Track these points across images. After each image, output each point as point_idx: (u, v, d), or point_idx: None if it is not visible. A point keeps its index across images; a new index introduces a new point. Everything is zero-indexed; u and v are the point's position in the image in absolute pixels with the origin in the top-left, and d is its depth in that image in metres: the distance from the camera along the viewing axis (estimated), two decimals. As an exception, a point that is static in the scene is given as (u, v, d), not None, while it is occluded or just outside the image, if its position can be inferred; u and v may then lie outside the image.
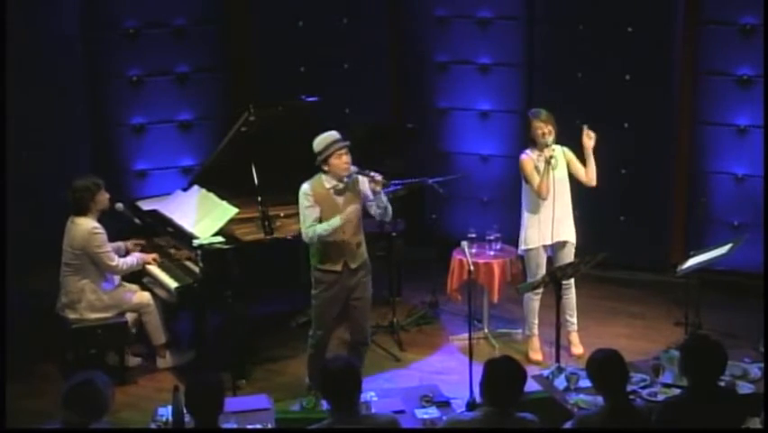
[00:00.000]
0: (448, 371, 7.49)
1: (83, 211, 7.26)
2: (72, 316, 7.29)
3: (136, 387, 7.36)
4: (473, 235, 7.74)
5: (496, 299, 7.84)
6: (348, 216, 6.49)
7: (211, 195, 7.64)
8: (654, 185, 9.03)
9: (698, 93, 8.80)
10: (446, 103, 9.50)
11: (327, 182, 6.55)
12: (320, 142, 6.51)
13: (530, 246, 7.48)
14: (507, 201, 9.30)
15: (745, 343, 7.37)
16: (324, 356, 6.85)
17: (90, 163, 8.69)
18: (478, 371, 5.02)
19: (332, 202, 6.54)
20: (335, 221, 6.47)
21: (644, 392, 5.85)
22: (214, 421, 4.87)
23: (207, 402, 4.86)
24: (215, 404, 4.86)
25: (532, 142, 7.40)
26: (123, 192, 8.63)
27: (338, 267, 6.61)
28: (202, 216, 7.51)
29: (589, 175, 7.42)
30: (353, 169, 6.53)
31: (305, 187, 6.58)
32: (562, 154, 7.45)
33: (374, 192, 6.57)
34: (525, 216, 7.50)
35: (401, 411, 5.83)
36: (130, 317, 7.48)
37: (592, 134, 7.34)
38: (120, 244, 7.65)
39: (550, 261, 7.55)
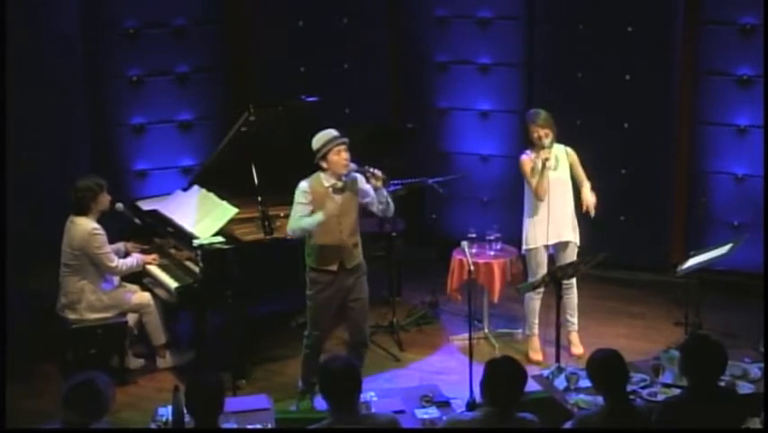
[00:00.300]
0: (448, 371, 7.49)
1: (83, 211, 7.26)
2: (72, 316, 7.29)
3: (136, 387, 7.36)
4: (473, 235, 7.74)
5: (496, 299, 7.84)
6: (329, 211, 6.46)
7: (211, 195, 7.64)
8: (654, 185, 9.03)
9: (698, 93, 8.80)
10: (446, 103, 9.50)
11: (326, 180, 6.54)
12: (318, 139, 6.51)
13: (530, 246, 7.49)
14: (507, 201, 9.31)
15: (745, 343, 7.37)
16: (318, 357, 6.86)
17: (90, 163, 8.69)
18: (478, 371, 5.02)
19: (330, 200, 6.53)
20: (318, 216, 6.45)
21: (644, 392, 5.84)
22: (214, 421, 4.87)
23: (207, 402, 4.86)
24: (215, 404, 4.86)
25: (531, 143, 7.40)
26: (123, 192, 8.63)
27: (334, 267, 6.61)
28: (202, 216, 7.51)
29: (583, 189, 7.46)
30: (352, 166, 6.52)
31: (303, 184, 6.57)
32: (564, 155, 7.45)
33: (375, 188, 6.55)
34: (526, 215, 7.51)
35: (401, 411, 5.83)
36: (130, 317, 7.48)
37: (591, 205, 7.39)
38: (120, 245, 7.65)
39: (552, 260, 7.55)
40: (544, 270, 7.38)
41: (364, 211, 6.75)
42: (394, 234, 8.19)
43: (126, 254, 7.61)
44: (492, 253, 7.89)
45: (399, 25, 9.63)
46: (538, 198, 7.36)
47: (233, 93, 9.32)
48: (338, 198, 6.55)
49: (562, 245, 7.50)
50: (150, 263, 7.58)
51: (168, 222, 7.73)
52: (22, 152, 7.97)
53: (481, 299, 7.94)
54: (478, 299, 7.78)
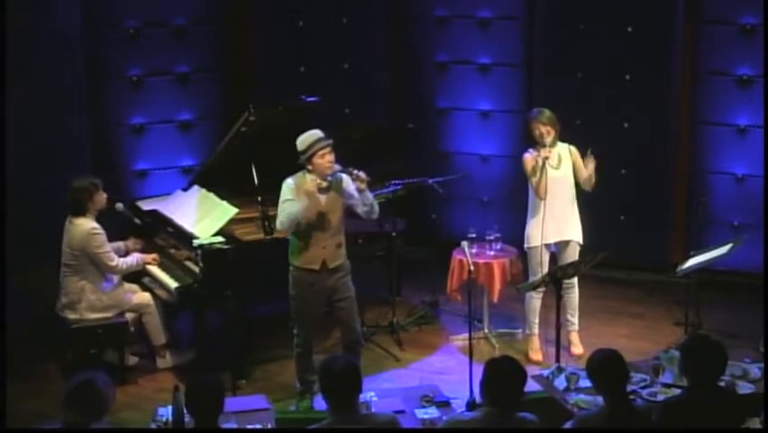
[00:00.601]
0: (448, 371, 7.49)
1: (81, 211, 7.25)
2: (72, 316, 7.29)
3: (136, 387, 7.36)
4: (473, 235, 7.74)
5: (496, 299, 7.84)
6: (312, 193, 6.48)
7: (211, 195, 7.64)
8: (654, 185, 9.03)
9: (698, 93, 8.81)
10: (446, 103, 9.50)
11: (311, 180, 6.57)
12: (303, 141, 6.54)
13: (532, 244, 7.49)
14: (507, 201, 9.32)
15: (745, 343, 7.38)
16: (310, 356, 6.90)
17: (90, 163, 8.68)
18: (478, 371, 5.01)
19: (315, 200, 6.55)
20: (303, 200, 6.48)
21: (644, 392, 5.84)
22: (214, 421, 4.87)
23: (207, 402, 4.85)
24: (215, 404, 4.86)
25: (535, 141, 7.40)
26: (123, 192, 8.63)
27: (316, 266, 6.63)
28: (202, 216, 7.51)
29: (586, 183, 7.42)
30: (336, 167, 6.55)
31: (289, 181, 6.61)
32: (568, 153, 7.45)
33: (359, 190, 6.58)
34: (529, 214, 7.51)
35: (401, 411, 5.83)
36: (130, 317, 7.48)
37: (591, 164, 7.34)
38: (120, 244, 7.65)
39: (555, 259, 7.55)
40: (544, 269, 7.38)
41: (354, 212, 6.77)
42: (394, 234, 8.19)
43: (126, 253, 7.61)
44: (492, 253, 7.89)
45: (399, 25, 9.63)
46: (538, 196, 7.37)
47: (233, 93, 9.31)
48: (323, 197, 6.58)
49: (564, 244, 7.49)
50: (150, 263, 7.59)
51: (168, 222, 7.72)
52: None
53: (481, 299, 7.94)
54: (478, 299, 7.78)
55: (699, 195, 8.81)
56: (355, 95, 9.52)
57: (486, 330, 8.02)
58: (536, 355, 7.66)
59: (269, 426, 5.69)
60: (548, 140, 7.30)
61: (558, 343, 6.76)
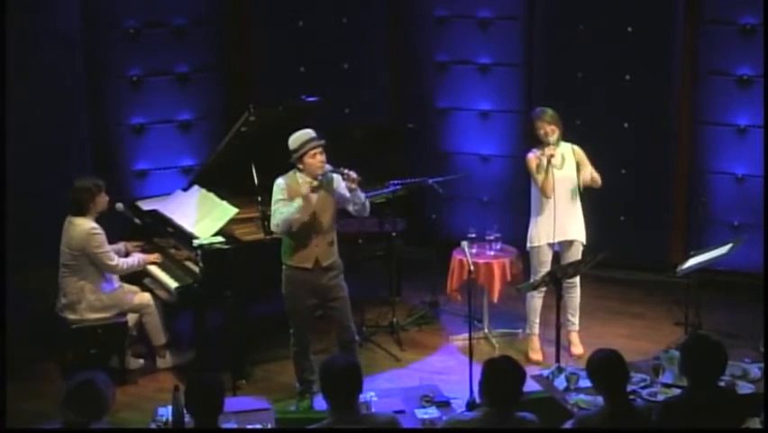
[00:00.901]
0: (448, 371, 7.49)
1: (81, 212, 7.24)
2: (72, 316, 7.28)
3: (136, 387, 7.36)
4: (473, 235, 7.74)
5: (496, 299, 7.84)
6: (306, 196, 6.49)
7: (211, 195, 7.64)
8: (654, 185, 9.03)
9: (698, 93, 8.81)
10: (446, 103, 9.50)
11: (302, 179, 6.59)
12: (295, 140, 6.55)
13: (534, 244, 7.48)
14: (507, 201, 9.32)
15: (745, 343, 7.38)
16: (307, 354, 6.92)
17: (90, 163, 8.69)
18: (478, 371, 5.01)
19: (307, 200, 6.56)
20: (297, 201, 6.49)
21: (644, 392, 5.84)
22: (214, 421, 4.87)
23: (207, 402, 4.86)
24: (215, 404, 4.86)
25: (538, 140, 7.40)
26: (123, 192, 8.63)
27: (309, 265, 6.65)
28: (202, 216, 7.51)
29: (593, 183, 7.43)
30: (327, 167, 6.57)
31: (280, 181, 6.63)
32: (571, 153, 7.44)
33: (350, 190, 6.59)
34: (532, 213, 7.51)
35: (401, 411, 5.83)
36: (130, 317, 7.48)
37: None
38: (120, 245, 7.65)
39: (558, 259, 7.55)
40: (546, 268, 7.36)
41: (347, 212, 6.79)
42: (394, 234, 8.19)
43: (127, 254, 7.61)
44: (492, 253, 7.89)
45: (399, 25, 9.63)
46: (544, 195, 7.37)
47: (233, 93, 9.32)
48: (314, 196, 6.59)
49: (568, 244, 7.49)
50: (152, 263, 7.57)
51: (168, 222, 7.72)
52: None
53: (481, 299, 7.94)
54: (478, 299, 7.78)
55: (699, 195, 8.81)
56: (355, 95, 9.53)
57: (486, 330, 8.02)
58: (536, 355, 7.65)
59: (269, 426, 5.69)
60: (552, 139, 7.30)
61: (558, 343, 6.76)
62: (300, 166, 6.58)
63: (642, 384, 5.92)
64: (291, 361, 7.00)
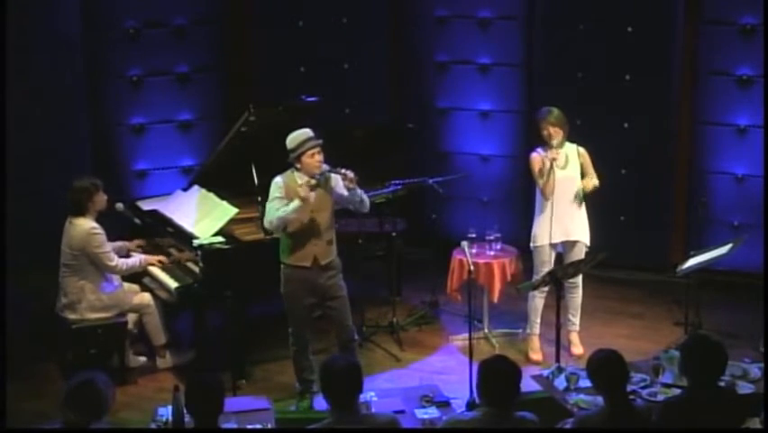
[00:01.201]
0: (448, 371, 7.49)
1: (81, 212, 7.24)
2: (72, 316, 7.28)
3: (136, 387, 7.36)
4: (473, 235, 7.74)
5: (496, 299, 7.84)
6: (304, 197, 6.49)
7: (211, 195, 7.64)
8: (654, 185, 9.02)
9: (698, 93, 8.80)
10: (446, 103, 9.50)
11: (300, 178, 6.60)
12: (293, 139, 6.56)
13: (537, 244, 7.48)
14: (507, 201, 9.32)
15: (745, 343, 7.39)
16: (307, 354, 6.93)
17: (90, 163, 8.69)
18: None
19: (304, 201, 6.56)
20: (294, 203, 6.50)
21: (644, 392, 5.85)
22: (214, 421, 4.87)
23: (207, 402, 4.86)
24: (215, 404, 4.86)
25: (543, 140, 7.39)
26: (123, 192, 8.63)
27: (307, 263, 6.66)
28: (202, 216, 7.51)
29: (588, 191, 7.45)
30: (325, 167, 6.58)
31: (278, 179, 6.64)
32: (576, 154, 7.44)
33: (348, 189, 6.60)
34: (536, 213, 7.51)
35: (401, 411, 5.83)
36: (130, 317, 7.48)
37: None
38: (121, 243, 7.65)
39: (560, 260, 7.54)
40: (548, 268, 7.35)
41: (347, 211, 6.78)
42: (394, 234, 8.19)
43: (128, 254, 7.60)
44: (492, 253, 7.89)
45: (399, 25, 9.62)
46: (544, 197, 7.38)
47: (233, 93, 9.32)
48: (312, 195, 6.59)
49: (570, 244, 7.48)
50: (154, 264, 7.56)
51: (168, 222, 7.73)
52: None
53: (481, 299, 7.94)
54: (478, 299, 7.78)
55: (699, 195, 8.81)
56: (355, 95, 9.52)
57: (486, 330, 8.02)
58: (536, 355, 7.65)
59: (269, 426, 5.69)
60: (555, 141, 7.29)
61: (558, 343, 6.76)
62: (298, 165, 6.60)
63: (642, 384, 5.92)
64: (291, 361, 7.00)
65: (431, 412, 5.89)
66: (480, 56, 9.30)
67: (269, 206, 6.62)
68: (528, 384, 6.18)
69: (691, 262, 7.56)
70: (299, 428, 5.39)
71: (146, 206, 8.12)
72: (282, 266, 6.76)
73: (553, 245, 7.47)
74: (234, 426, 5.54)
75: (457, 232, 8.27)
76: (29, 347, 7.61)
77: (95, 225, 7.24)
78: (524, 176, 9.01)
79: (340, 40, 9.51)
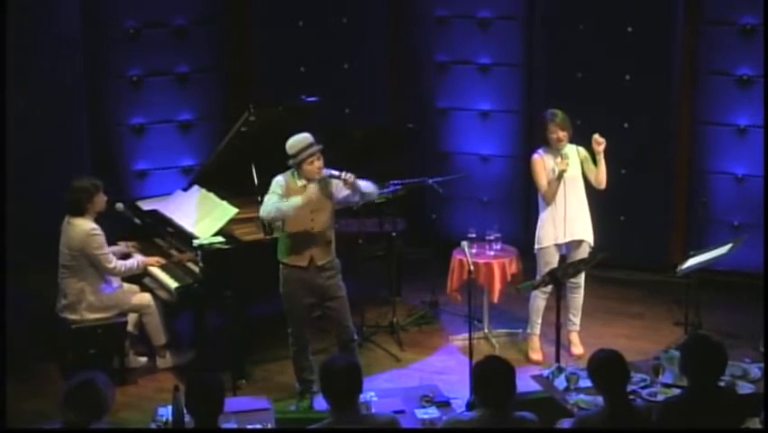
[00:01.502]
0: (448, 371, 7.49)
1: (80, 212, 7.22)
2: (72, 317, 7.27)
3: (136, 387, 7.36)
4: (473, 235, 7.74)
5: (496, 299, 7.84)
6: (308, 195, 6.52)
7: (211, 195, 7.64)
8: (654, 185, 9.02)
9: (698, 93, 8.80)
10: (446, 103, 9.50)
11: (300, 181, 6.62)
12: (293, 145, 6.56)
13: (542, 245, 7.47)
14: (507, 201, 9.32)
15: (745, 343, 7.39)
16: (306, 354, 6.93)
17: (90, 163, 8.69)
18: (477, 371, 5.01)
19: (306, 199, 6.58)
20: (296, 199, 6.51)
21: (644, 392, 5.84)
22: (214, 421, 4.87)
23: (207, 402, 4.85)
24: (215, 404, 4.86)
25: (546, 141, 7.39)
26: (123, 192, 8.63)
27: (304, 262, 6.66)
28: (202, 216, 7.51)
29: (598, 178, 7.41)
30: (325, 173, 6.59)
31: (279, 178, 6.66)
32: (576, 153, 7.43)
33: (351, 188, 6.63)
34: (540, 214, 7.50)
35: (401, 411, 5.83)
36: (131, 318, 7.48)
37: (601, 140, 7.32)
38: (122, 245, 7.66)
39: (564, 259, 7.53)
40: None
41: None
42: (394, 234, 8.19)
43: (127, 255, 7.59)
44: (492, 253, 7.89)
45: (399, 25, 9.62)
46: (546, 202, 7.37)
47: (233, 93, 9.32)
48: (311, 195, 6.59)
49: (576, 244, 7.47)
50: (152, 265, 7.56)
51: (168, 222, 7.72)
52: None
53: (481, 299, 7.94)
54: (478, 299, 7.77)
55: (699, 195, 8.81)
56: (355, 95, 9.52)
57: (486, 330, 8.02)
58: (536, 355, 7.65)
59: (269, 426, 5.69)
60: (561, 145, 7.28)
61: (558, 343, 6.76)
62: (298, 170, 6.61)
63: (642, 384, 5.92)
64: (291, 361, 7.00)
65: (431, 412, 5.89)
66: (480, 56, 9.30)
67: (267, 198, 6.63)
68: (528, 384, 6.19)
69: (691, 262, 7.56)
70: (299, 428, 5.39)
71: (146, 206, 8.11)
72: (281, 266, 6.76)
73: (558, 246, 7.46)
74: (234, 426, 5.53)
75: (457, 232, 8.27)
76: (29, 347, 7.61)
77: (94, 226, 7.23)
78: (524, 176, 9.01)
79: (340, 40, 9.51)
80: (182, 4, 9.09)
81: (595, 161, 7.42)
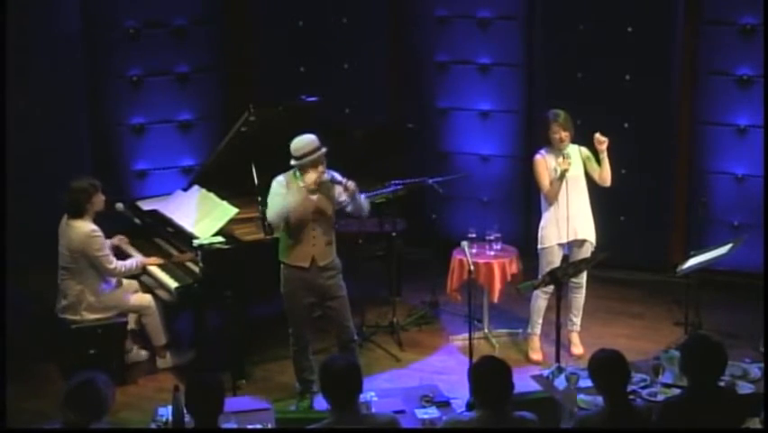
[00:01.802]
0: (448, 371, 7.49)
1: (79, 213, 7.21)
2: (72, 317, 7.27)
3: (136, 387, 7.36)
4: (473, 235, 7.74)
5: (496, 299, 7.84)
6: (308, 185, 6.53)
7: (211, 195, 7.64)
8: (654, 185, 9.03)
9: (698, 93, 8.80)
10: (446, 103, 9.50)
11: (301, 181, 6.62)
12: (299, 147, 6.56)
13: (545, 245, 7.46)
14: (507, 201, 9.32)
15: (745, 343, 7.39)
16: (307, 354, 6.93)
17: (90, 163, 8.69)
18: (478, 371, 5.01)
19: (305, 199, 6.60)
20: (295, 197, 6.54)
21: (644, 392, 5.84)
22: (214, 421, 4.87)
23: (207, 402, 4.86)
24: (215, 404, 4.86)
25: (548, 142, 7.39)
26: (123, 192, 8.63)
27: (305, 263, 6.67)
28: (202, 216, 7.51)
29: (602, 176, 7.42)
30: (327, 177, 6.59)
31: (280, 178, 6.67)
32: (578, 152, 7.43)
33: (350, 196, 6.65)
34: (543, 214, 7.50)
35: (401, 411, 5.82)
36: (131, 318, 7.48)
37: (603, 139, 7.32)
38: (115, 239, 7.65)
39: (567, 259, 7.53)
40: None
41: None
42: (394, 234, 8.19)
43: (123, 254, 7.59)
44: (492, 253, 7.89)
45: (399, 25, 9.63)
46: (548, 201, 7.37)
47: (233, 93, 9.32)
48: (313, 197, 6.62)
49: (579, 243, 7.46)
50: (150, 265, 7.57)
51: (168, 222, 7.72)
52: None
53: (481, 299, 7.94)
54: (478, 299, 7.77)
55: (699, 195, 8.81)
56: (355, 95, 9.53)
57: (486, 330, 8.02)
58: (536, 355, 7.65)
59: (269, 426, 5.69)
60: (563, 145, 7.28)
61: (558, 343, 6.76)
62: (300, 171, 6.61)
63: (642, 384, 5.91)
64: (291, 361, 7.00)
65: (431, 412, 5.88)
66: (480, 56, 9.30)
67: (271, 201, 6.63)
68: (528, 384, 6.19)
69: (691, 262, 7.56)
70: (299, 428, 5.39)
71: (146, 206, 8.11)
72: (282, 266, 6.77)
73: (561, 245, 7.46)
74: (234, 426, 5.53)
75: (457, 232, 8.28)
76: (29, 348, 7.61)
77: (94, 227, 7.22)
78: (524, 176, 9.03)
79: (340, 40, 9.51)
80: (182, 4, 9.09)
81: (598, 160, 7.42)
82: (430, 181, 8.21)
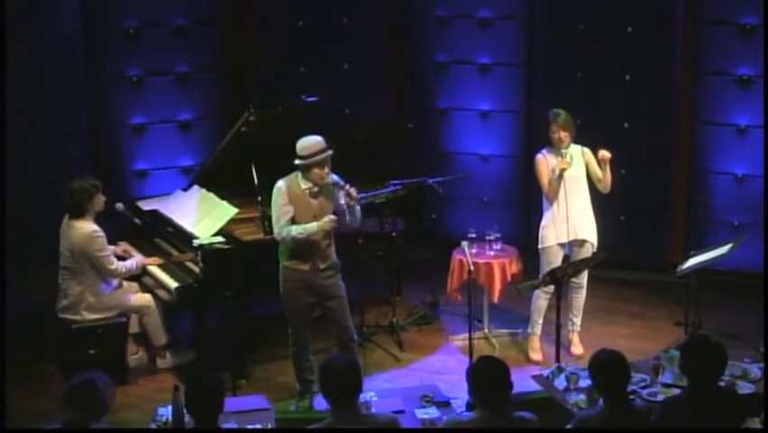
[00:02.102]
0: (448, 371, 7.49)
1: (80, 213, 7.21)
2: (72, 317, 7.27)
3: (136, 387, 7.36)
4: (473, 235, 7.74)
5: (496, 299, 7.84)
6: (323, 226, 6.57)
7: (211, 195, 7.64)
8: (654, 185, 9.03)
9: (698, 93, 8.81)
10: (446, 103, 9.50)
11: (303, 183, 6.61)
12: (305, 147, 6.55)
13: (545, 245, 7.46)
14: (507, 201, 9.32)
15: (745, 343, 7.38)
16: (306, 354, 6.94)
17: (90, 163, 8.69)
18: (478, 371, 5.01)
19: (306, 203, 6.61)
20: (312, 227, 6.56)
21: (644, 392, 5.84)
22: (214, 421, 4.87)
23: (207, 402, 4.85)
24: (215, 404, 4.86)
25: (550, 142, 7.39)
26: (123, 192, 8.63)
27: (306, 267, 6.68)
28: (202, 216, 7.51)
29: (603, 183, 7.42)
30: (330, 180, 6.59)
31: (280, 184, 6.64)
32: (580, 154, 7.43)
33: (348, 205, 6.65)
34: (543, 214, 7.50)
35: (401, 411, 5.82)
36: (133, 321, 7.47)
37: (608, 155, 7.31)
38: (120, 248, 7.66)
39: (568, 259, 7.53)
40: None
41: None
42: (394, 234, 8.18)
43: (124, 256, 7.59)
44: (492, 253, 7.89)
45: (399, 25, 9.63)
46: (549, 201, 7.38)
47: (233, 93, 9.32)
48: (314, 201, 6.62)
49: (579, 243, 7.46)
50: (150, 264, 7.57)
51: (168, 222, 7.72)
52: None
53: (481, 299, 7.94)
54: (478, 299, 7.78)
55: (699, 195, 8.81)
56: (355, 95, 9.53)
57: (486, 330, 8.02)
58: (536, 355, 7.65)
59: (269, 426, 5.69)
60: (563, 145, 7.28)
61: (558, 343, 6.76)
62: (304, 171, 6.60)
63: (642, 384, 5.91)
64: (291, 361, 7.00)
65: (431, 412, 5.88)
66: (480, 56, 9.30)
67: (276, 215, 6.62)
68: (528, 384, 6.19)
69: (691, 262, 7.56)
70: (299, 429, 5.39)
71: (146, 206, 8.11)
72: (281, 267, 6.77)
73: (561, 245, 7.46)
74: (234, 426, 5.53)
75: (457, 232, 8.28)
76: (29, 348, 7.61)
77: (96, 228, 7.22)
78: (524, 176, 9.03)
79: (340, 40, 9.52)
80: (182, 4, 9.10)
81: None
82: (430, 181, 8.21)
